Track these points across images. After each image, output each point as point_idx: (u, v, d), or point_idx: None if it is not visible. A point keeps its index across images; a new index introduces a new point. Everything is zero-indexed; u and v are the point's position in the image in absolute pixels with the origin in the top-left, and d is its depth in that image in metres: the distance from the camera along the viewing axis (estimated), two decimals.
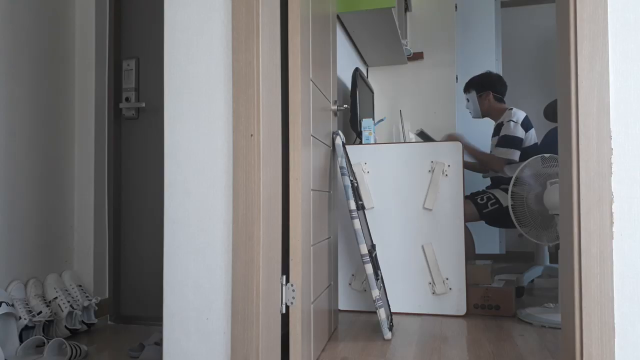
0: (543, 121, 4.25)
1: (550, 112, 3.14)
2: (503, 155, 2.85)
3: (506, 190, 2.73)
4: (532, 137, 2.93)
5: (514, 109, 2.93)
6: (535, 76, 4.62)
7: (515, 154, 2.84)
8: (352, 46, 3.34)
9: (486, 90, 3.06)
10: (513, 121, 2.87)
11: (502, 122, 2.94)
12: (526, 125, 2.89)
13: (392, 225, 2.42)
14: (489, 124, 3.81)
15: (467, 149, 2.98)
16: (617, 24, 1.15)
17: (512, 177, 2.56)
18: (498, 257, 4.13)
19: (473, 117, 3.18)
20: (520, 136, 2.86)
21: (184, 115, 1.32)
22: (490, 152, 3.04)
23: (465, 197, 2.83)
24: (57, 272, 2.21)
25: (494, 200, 2.82)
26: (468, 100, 3.15)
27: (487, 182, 3.40)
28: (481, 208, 2.81)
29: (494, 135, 3.02)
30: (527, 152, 2.85)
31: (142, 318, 2.35)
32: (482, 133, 4.09)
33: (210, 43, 1.31)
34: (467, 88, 3.15)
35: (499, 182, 2.95)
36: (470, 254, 2.86)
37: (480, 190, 2.98)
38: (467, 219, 2.75)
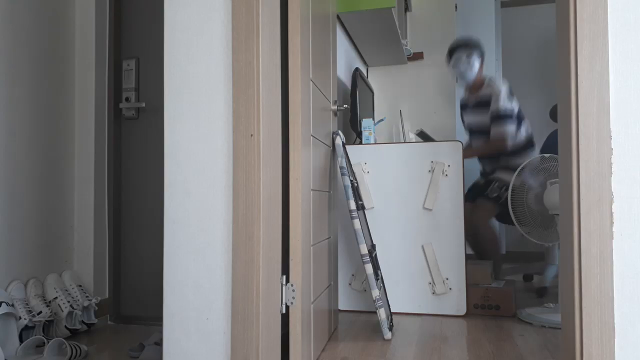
0: (546, 122, 4.26)
1: (556, 113, 3.14)
2: (501, 131, 2.82)
3: (505, 168, 2.71)
4: (526, 127, 2.90)
5: (491, 79, 2.87)
6: (535, 76, 4.62)
7: (512, 127, 2.82)
8: (352, 46, 3.34)
9: (483, 58, 2.94)
10: (501, 95, 2.82)
11: (487, 95, 2.88)
12: (511, 93, 2.86)
13: (392, 225, 2.42)
14: None
15: (475, 151, 2.97)
16: (617, 24, 1.15)
17: (510, 151, 2.51)
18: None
19: (461, 83, 3.01)
20: (511, 107, 2.82)
21: (184, 115, 1.32)
22: (470, 123, 2.99)
23: (477, 198, 2.83)
24: (57, 272, 2.21)
25: (499, 183, 2.81)
26: (464, 61, 2.89)
27: None
28: (496, 199, 2.79)
29: (476, 106, 2.93)
30: (525, 149, 2.85)
31: (142, 318, 2.35)
32: None
33: (210, 43, 1.31)
34: (469, 48, 2.91)
35: (493, 169, 2.94)
36: (494, 253, 2.81)
37: (482, 181, 2.96)
38: (489, 215, 2.74)
